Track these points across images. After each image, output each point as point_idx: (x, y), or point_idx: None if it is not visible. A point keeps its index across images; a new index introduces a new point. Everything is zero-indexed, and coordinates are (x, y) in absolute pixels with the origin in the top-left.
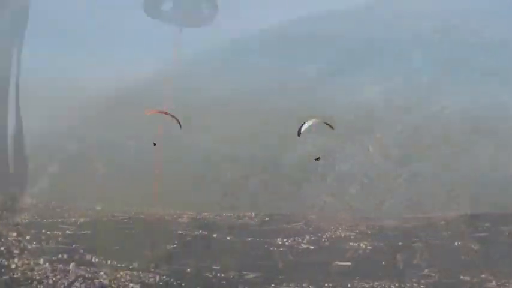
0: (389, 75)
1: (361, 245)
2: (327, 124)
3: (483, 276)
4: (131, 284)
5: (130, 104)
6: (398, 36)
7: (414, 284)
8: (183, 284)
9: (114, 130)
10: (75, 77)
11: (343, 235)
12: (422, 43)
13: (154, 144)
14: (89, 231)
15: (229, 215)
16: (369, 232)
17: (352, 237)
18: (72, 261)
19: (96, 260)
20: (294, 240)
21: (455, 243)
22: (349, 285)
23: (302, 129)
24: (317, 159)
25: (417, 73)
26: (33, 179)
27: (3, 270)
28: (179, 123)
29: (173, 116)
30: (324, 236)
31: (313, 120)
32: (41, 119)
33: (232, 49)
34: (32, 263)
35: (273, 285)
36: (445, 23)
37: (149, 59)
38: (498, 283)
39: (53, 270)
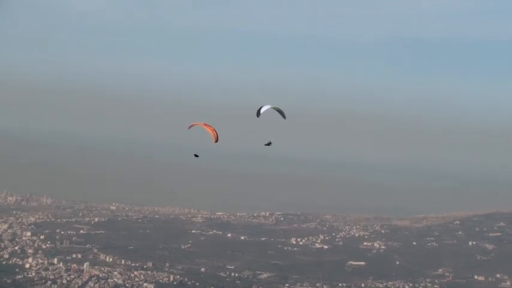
0: None
1: (375, 244)
2: (280, 113)
3: (498, 275)
4: (145, 284)
5: (144, 104)
6: None
7: (428, 284)
8: (197, 284)
9: (127, 130)
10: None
11: (357, 235)
12: None
13: (196, 156)
14: (103, 231)
15: (244, 214)
16: (383, 232)
17: (366, 236)
18: (86, 260)
19: (110, 259)
20: (308, 239)
21: (470, 243)
22: (363, 285)
23: (261, 111)
24: (268, 143)
25: None
26: (48, 179)
27: (17, 270)
28: (216, 137)
29: (213, 130)
30: (338, 236)
31: (270, 106)
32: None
33: None
34: (46, 262)
35: (287, 284)
36: None
37: None
38: None
39: (67, 270)
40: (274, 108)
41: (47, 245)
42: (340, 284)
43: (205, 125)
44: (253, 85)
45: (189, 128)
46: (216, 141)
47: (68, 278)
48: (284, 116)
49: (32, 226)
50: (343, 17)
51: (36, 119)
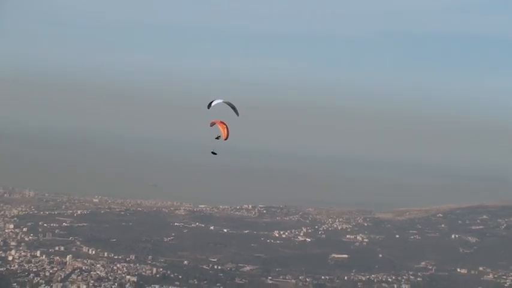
0: None
1: (358, 237)
2: (233, 109)
3: (480, 268)
4: (128, 276)
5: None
6: None
7: (411, 277)
8: (180, 276)
9: (111, 122)
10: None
11: (340, 228)
12: None
13: (214, 153)
14: (86, 224)
15: (226, 207)
16: (366, 225)
17: (349, 229)
18: (69, 253)
19: (93, 252)
20: (291, 232)
21: (452, 236)
22: (346, 278)
23: (213, 104)
24: (214, 153)
25: None
26: (30, 171)
27: (0, 262)
28: (227, 135)
29: (226, 128)
30: (321, 229)
31: (222, 100)
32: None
33: None
34: (29, 255)
35: (270, 277)
36: None
37: None
38: (495, 275)
39: (50, 263)
40: (226, 102)
41: (30, 237)
42: (323, 277)
43: (221, 122)
44: (244, 80)
45: (211, 125)
46: (225, 139)
47: (50, 271)
48: (237, 113)
49: (15, 218)
50: (338, 12)
51: (22, 114)
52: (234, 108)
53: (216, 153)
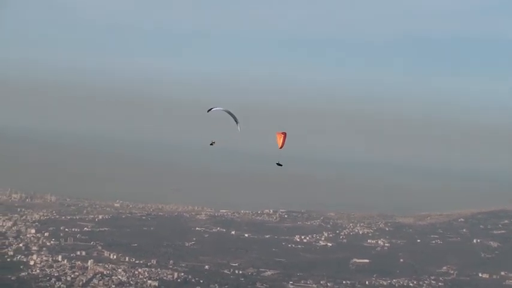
0: None
1: (380, 242)
2: (234, 119)
3: (502, 273)
4: (149, 281)
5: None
6: None
7: (432, 281)
8: (201, 281)
9: (129, 128)
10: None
11: (361, 232)
12: None
13: (279, 165)
14: (107, 228)
15: (248, 212)
16: (387, 229)
17: (370, 234)
18: (91, 258)
19: (115, 256)
20: (312, 237)
21: (474, 241)
22: (367, 283)
23: (213, 109)
24: (279, 164)
25: None
26: (52, 176)
27: (22, 267)
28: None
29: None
30: (342, 233)
31: (222, 108)
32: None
33: None
34: (50, 259)
35: (291, 282)
36: None
37: None
38: None
39: (72, 267)
40: (225, 111)
41: (51, 242)
42: (344, 282)
43: (282, 133)
44: (263, 83)
45: (283, 134)
46: (280, 148)
47: (72, 275)
48: (236, 121)
49: (37, 223)
50: (353, 17)
51: (39, 119)
52: (233, 116)
53: (281, 165)
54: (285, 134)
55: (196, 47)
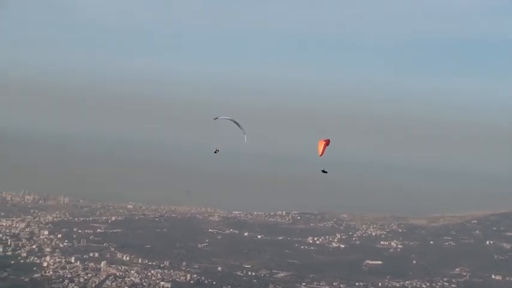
0: None
1: (392, 243)
2: (239, 127)
3: None
4: (162, 283)
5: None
6: None
7: (445, 283)
8: (214, 283)
9: (143, 130)
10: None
11: (374, 234)
12: None
13: (324, 172)
14: (120, 230)
15: (260, 213)
16: (400, 231)
17: (383, 236)
18: (104, 259)
19: (127, 258)
20: (325, 239)
21: (487, 242)
22: (380, 284)
23: (220, 117)
24: (324, 171)
25: None
26: (64, 178)
27: (35, 268)
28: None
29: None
30: (355, 235)
31: (228, 118)
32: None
33: None
34: (63, 261)
35: (303, 283)
36: None
37: None
38: None
39: (85, 269)
40: (231, 120)
41: (65, 243)
42: (357, 283)
43: (325, 141)
44: (271, 85)
45: (326, 142)
46: (320, 156)
47: (85, 277)
48: (243, 132)
49: (50, 225)
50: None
51: (47, 120)
52: (240, 126)
53: (326, 172)
54: (327, 141)
55: (197, 47)
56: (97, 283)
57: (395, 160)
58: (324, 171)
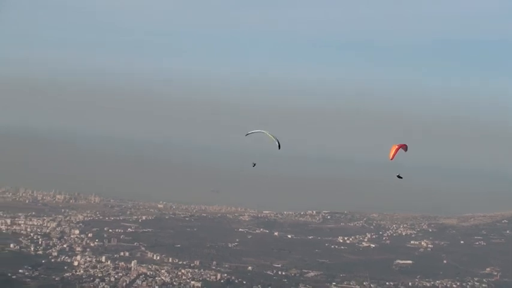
0: None
1: (423, 243)
2: (277, 141)
3: None
4: (192, 282)
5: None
6: None
7: (476, 283)
8: (244, 282)
9: (173, 130)
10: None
11: (404, 233)
12: None
13: (400, 177)
14: (150, 229)
15: (291, 213)
16: (430, 230)
17: (413, 235)
18: (134, 258)
19: (158, 257)
20: (355, 238)
21: None
22: (410, 284)
23: (250, 132)
24: (399, 177)
25: None
26: (95, 178)
27: (66, 267)
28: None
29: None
30: (385, 235)
31: (265, 132)
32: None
33: None
34: (94, 260)
35: (334, 283)
36: None
37: None
38: None
39: (115, 268)
40: (266, 133)
41: (95, 243)
42: (387, 283)
43: (399, 145)
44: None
45: (399, 146)
46: (391, 159)
47: (115, 276)
48: (279, 146)
49: (80, 224)
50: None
51: (81, 122)
52: (275, 139)
53: (401, 177)
54: (400, 146)
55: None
56: (127, 282)
57: (423, 160)
58: (399, 177)
